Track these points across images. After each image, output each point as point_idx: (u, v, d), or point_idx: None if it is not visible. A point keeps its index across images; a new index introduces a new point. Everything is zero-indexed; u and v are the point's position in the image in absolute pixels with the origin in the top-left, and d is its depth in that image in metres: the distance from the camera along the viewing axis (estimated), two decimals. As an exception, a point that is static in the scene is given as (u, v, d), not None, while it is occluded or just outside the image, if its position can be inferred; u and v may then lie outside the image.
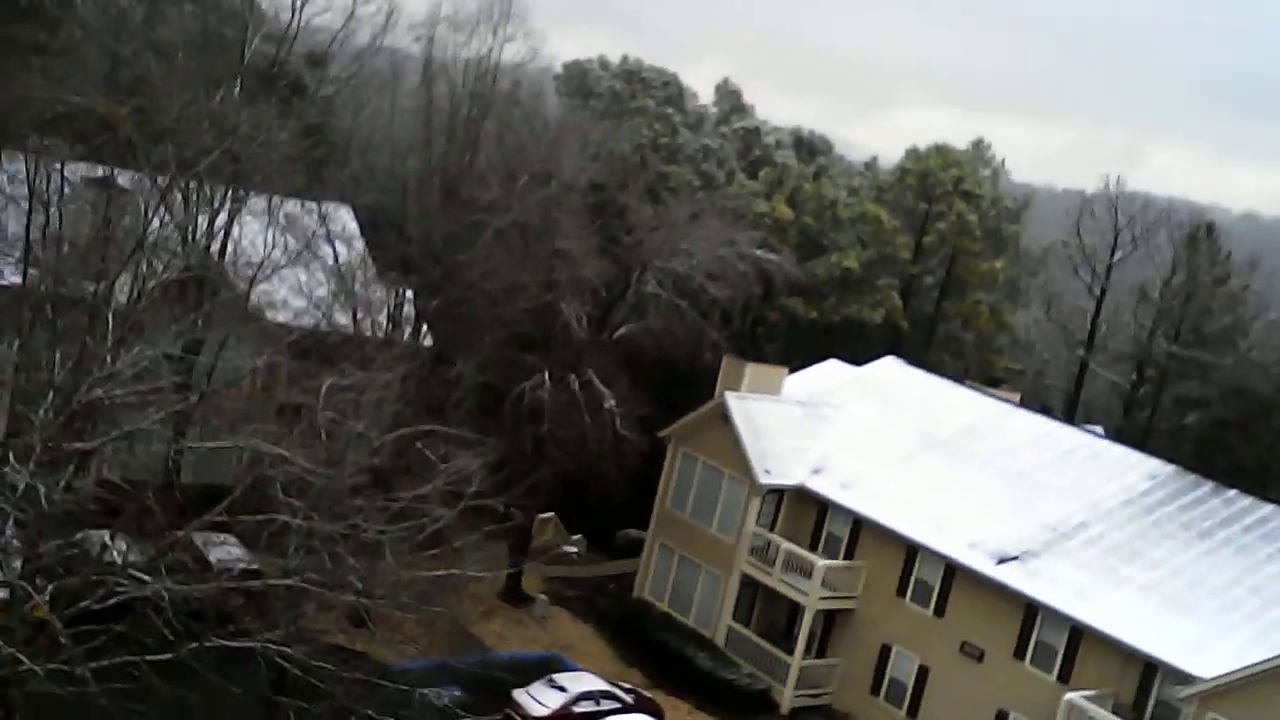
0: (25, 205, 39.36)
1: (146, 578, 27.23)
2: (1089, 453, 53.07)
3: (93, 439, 29.99)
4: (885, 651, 49.67)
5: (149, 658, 28.12)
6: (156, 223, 38.45)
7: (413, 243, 50.22)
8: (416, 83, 53.68)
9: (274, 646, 28.96)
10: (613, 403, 50.45)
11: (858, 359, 62.09)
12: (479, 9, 50.03)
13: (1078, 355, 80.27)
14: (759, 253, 56.54)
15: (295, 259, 47.26)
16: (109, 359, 29.27)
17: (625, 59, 76.94)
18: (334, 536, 30.59)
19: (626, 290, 53.62)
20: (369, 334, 47.87)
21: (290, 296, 49.70)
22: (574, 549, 62.41)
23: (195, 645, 27.95)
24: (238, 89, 43.39)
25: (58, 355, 28.80)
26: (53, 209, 38.69)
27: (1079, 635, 44.43)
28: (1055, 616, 44.99)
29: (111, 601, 27.61)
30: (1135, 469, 51.46)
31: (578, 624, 54.77)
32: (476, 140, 49.71)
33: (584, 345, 51.39)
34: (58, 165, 34.47)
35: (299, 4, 46.87)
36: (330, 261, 50.36)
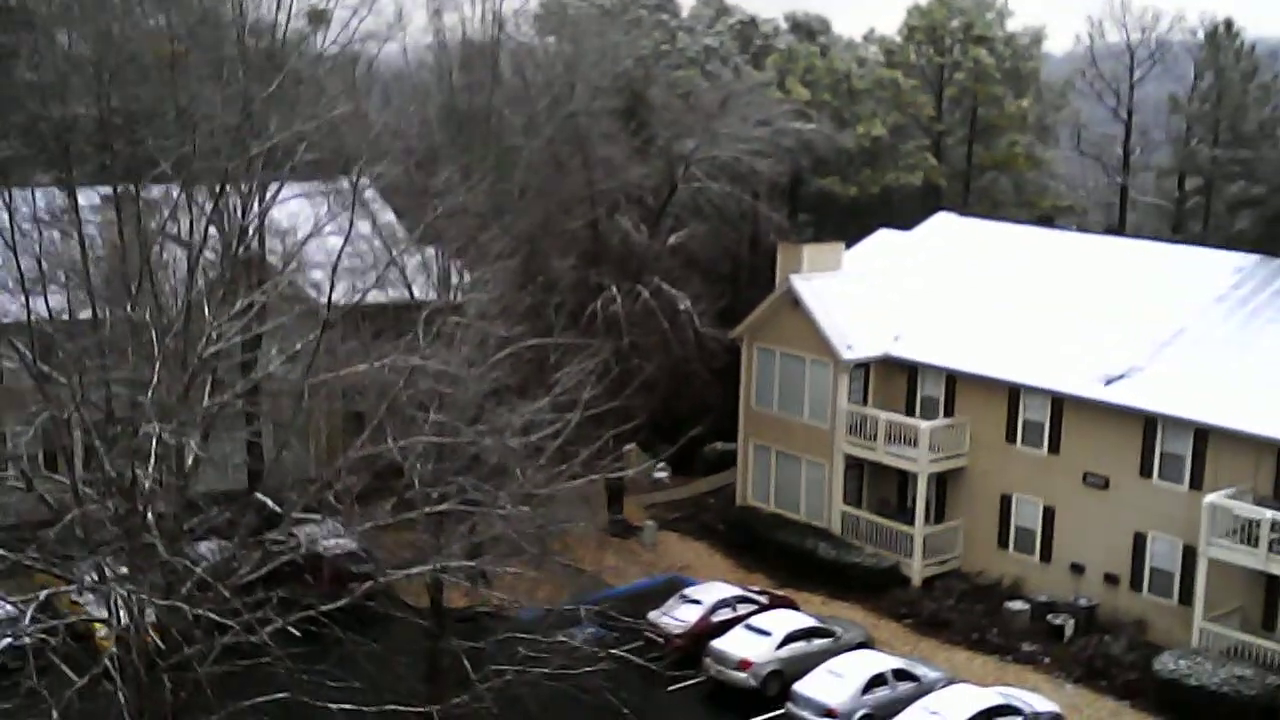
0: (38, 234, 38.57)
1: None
2: (1167, 260, 51.74)
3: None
4: (1005, 502, 48.61)
5: (324, 608, 27.56)
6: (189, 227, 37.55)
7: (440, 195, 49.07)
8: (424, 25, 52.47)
9: (454, 565, 28.18)
10: (688, 303, 49.53)
11: (904, 226, 60.75)
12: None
13: (1116, 182, 78.71)
14: (796, 125, 55.26)
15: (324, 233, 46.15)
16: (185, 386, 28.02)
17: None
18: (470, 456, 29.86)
19: (674, 189, 52.45)
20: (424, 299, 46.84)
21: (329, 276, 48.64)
22: (663, 473, 61.52)
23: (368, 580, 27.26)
24: (241, 72, 41.95)
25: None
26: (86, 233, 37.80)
27: (1204, 439, 43.26)
28: (1176, 424, 43.82)
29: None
30: (1218, 266, 50.06)
31: (689, 543, 53.94)
32: (495, 64, 48.45)
33: (645, 252, 50.31)
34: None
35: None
36: (367, 231, 49.25)
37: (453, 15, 50.95)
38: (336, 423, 44.82)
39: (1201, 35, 75.58)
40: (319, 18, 48.77)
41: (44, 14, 51.02)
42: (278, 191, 41.20)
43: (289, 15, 45.65)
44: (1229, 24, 73.92)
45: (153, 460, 25.71)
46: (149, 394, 25.42)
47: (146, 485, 25.34)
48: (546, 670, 32.62)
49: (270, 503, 28.05)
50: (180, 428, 26.01)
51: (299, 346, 31.12)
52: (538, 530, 37.73)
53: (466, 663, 31.89)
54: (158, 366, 26.63)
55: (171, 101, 45.15)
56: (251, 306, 30.89)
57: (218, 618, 25.41)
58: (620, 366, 43.24)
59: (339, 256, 35.11)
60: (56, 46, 49.67)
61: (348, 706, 27.11)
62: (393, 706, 28.26)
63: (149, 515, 26.07)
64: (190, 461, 26.54)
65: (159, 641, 25.85)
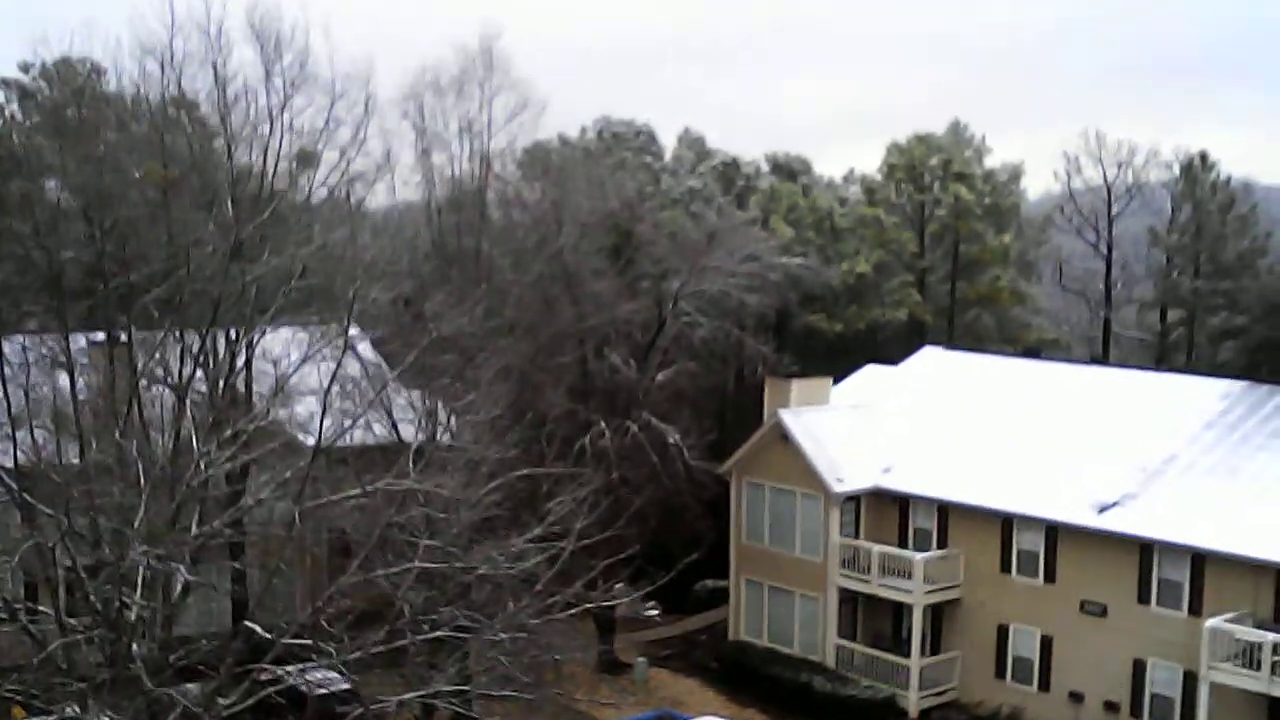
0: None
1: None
2: (1155, 388, 51.77)
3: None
4: (1003, 632, 48.01)
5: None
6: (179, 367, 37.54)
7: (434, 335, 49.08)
8: (412, 165, 52.99)
9: (446, 689, 27.68)
10: (676, 437, 49.22)
11: (890, 362, 60.88)
12: (462, 68, 49.29)
13: (1099, 316, 79.19)
14: (783, 260, 55.58)
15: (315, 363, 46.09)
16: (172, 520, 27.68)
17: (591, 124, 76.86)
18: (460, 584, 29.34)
19: (662, 325, 52.56)
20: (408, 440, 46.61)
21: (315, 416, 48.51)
22: (653, 611, 60.81)
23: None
24: (230, 206, 42.23)
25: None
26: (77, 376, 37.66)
27: (1201, 564, 42.88)
28: (1173, 551, 43.46)
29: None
30: (1206, 392, 50.10)
31: (681, 679, 53.09)
32: (483, 203, 48.80)
33: (634, 387, 50.23)
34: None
35: (277, 110, 45.66)
36: (353, 373, 49.15)
37: (441, 156, 51.31)
38: (324, 554, 44.32)
39: (1177, 169, 76.63)
40: (308, 159, 49.15)
41: (34, 163, 51.48)
42: (263, 333, 41.26)
43: (278, 158, 45.80)
44: (1204, 157, 75.07)
45: (139, 588, 25.23)
46: (136, 522, 25.03)
47: (133, 615, 24.84)
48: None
49: (259, 630, 27.44)
50: (168, 555, 25.61)
51: (289, 474, 30.81)
52: (531, 660, 37.25)
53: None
54: (145, 495, 26.32)
55: (163, 233, 45.30)
56: (239, 436, 30.72)
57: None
58: (611, 498, 42.88)
59: (332, 379, 35.01)
60: (46, 195, 50.09)
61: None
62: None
63: (134, 647, 25.51)
64: (178, 590, 26.06)
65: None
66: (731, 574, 54.55)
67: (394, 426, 46.85)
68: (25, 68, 66.15)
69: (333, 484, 37.48)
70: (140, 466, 27.39)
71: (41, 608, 26.81)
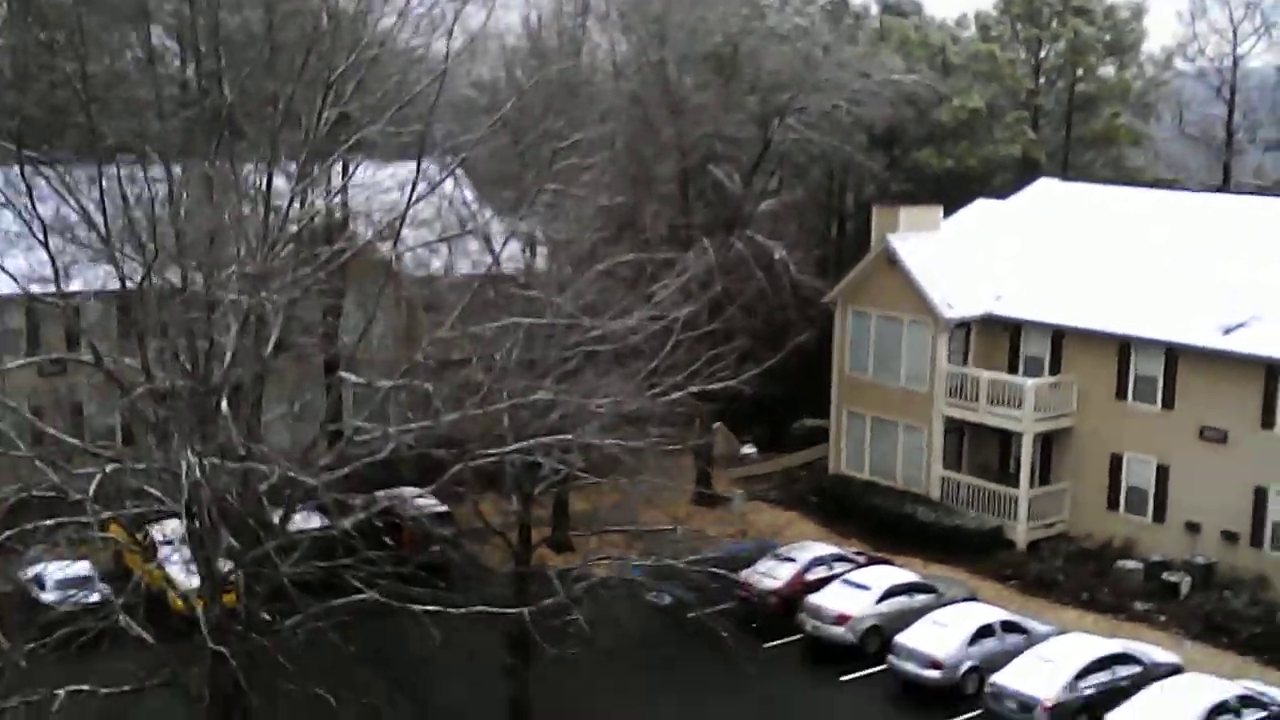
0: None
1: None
2: (1282, 213, 49.45)
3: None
4: (1116, 461, 46.33)
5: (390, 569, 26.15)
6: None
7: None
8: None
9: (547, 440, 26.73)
10: (783, 253, 47.69)
11: (1001, 199, 58.70)
12: None
13: (1219, 164, 76.08)
14: (896, 77, 53.43)
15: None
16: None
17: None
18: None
19: (770, 142, 50.73)
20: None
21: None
22: (751, 449, 59.80)
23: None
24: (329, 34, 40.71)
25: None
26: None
27: (1331, 385, 40.99)
28: (1301, 372, 41.55)
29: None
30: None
31: (780, 511, 52.15)
32: (583, 18, 47.06)
33: (739, 202, 48.59)
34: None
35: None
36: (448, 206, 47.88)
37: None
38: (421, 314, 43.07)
39: (1309, 6, 72.98)
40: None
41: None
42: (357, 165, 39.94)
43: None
44: (1337, -7, 71.38)
45: (233, 329, 24.21)
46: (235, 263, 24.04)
47: (228, 355, 23.93)
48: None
49: (353, 377, 26.27)
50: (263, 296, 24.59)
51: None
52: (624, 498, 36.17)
53: (555, 580, 30.12)
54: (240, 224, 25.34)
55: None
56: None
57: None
58: (714, 301, 41.24)
59: (412, 191, 33.56)
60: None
61: (433, 608, 25.51)
62: (481, 607, 26.60)
63: (223, 406, 24.49)
64: (275, 331, 25.08)
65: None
66: (833, 406, 53.20)
67: (493, 256, 45.61)
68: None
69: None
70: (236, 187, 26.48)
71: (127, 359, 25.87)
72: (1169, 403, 44.89)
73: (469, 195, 51.30)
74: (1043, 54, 72.40)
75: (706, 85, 50.32)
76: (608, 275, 33.33)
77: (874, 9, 78.79)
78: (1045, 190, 56.96)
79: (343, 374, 26.12)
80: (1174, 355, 44.56)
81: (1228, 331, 43.35)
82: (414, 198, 35.75)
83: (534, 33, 51.54)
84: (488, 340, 28.38)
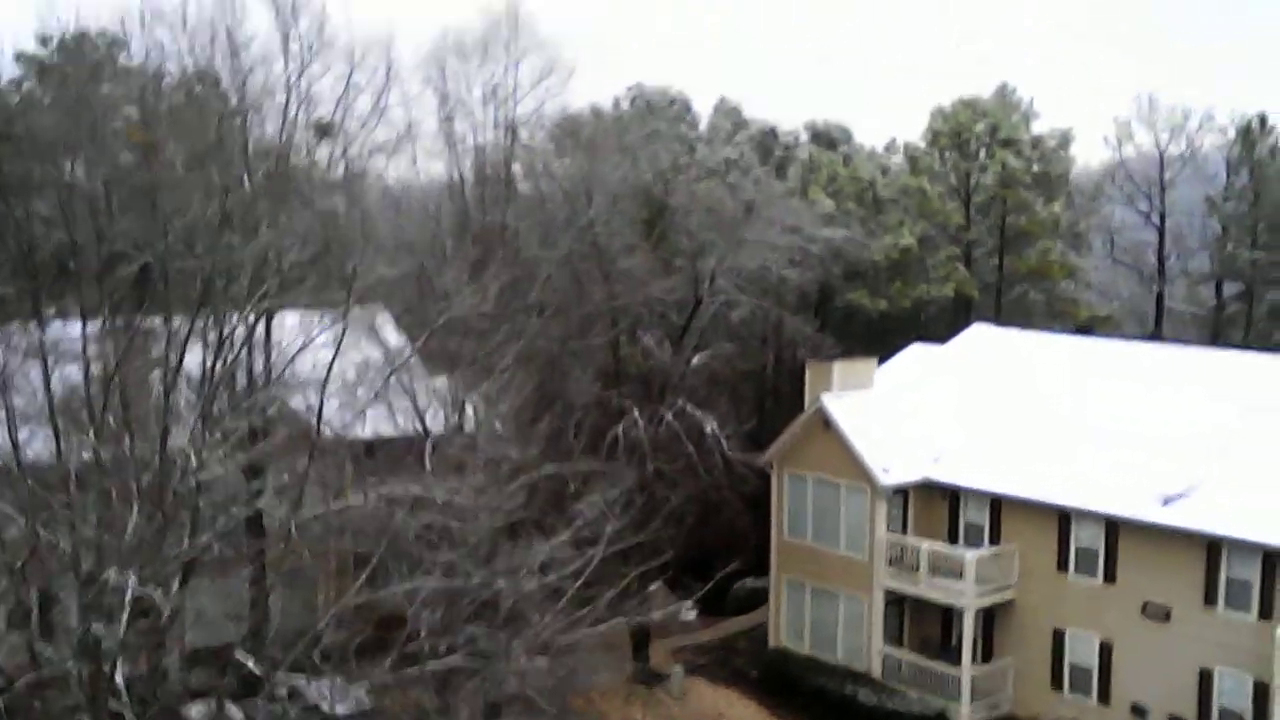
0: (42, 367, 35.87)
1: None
2: (1218, 366, 48.73)
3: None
4: (1059, 637, 45.14)
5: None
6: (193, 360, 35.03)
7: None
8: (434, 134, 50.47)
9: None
10: (714, 425, 46.63)
11: (937, 340, 58.02)
12: (486, 29, 46.72)
13: (1153, 289, 76.00)
14: (825, 233, 52.73)
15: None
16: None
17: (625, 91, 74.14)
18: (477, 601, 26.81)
19: (699, 303, 49.81)
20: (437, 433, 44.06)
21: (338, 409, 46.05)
22: (691, 614, 58.16)
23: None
24: (247, 186, 39.72)
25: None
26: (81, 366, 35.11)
27: (1274, 561, 39.90)
28: (1243, 548, 40.43)
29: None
30: (1273, 369, 47.09)
31: (719, 689, 50.23)
32: (509, 174, 46.21)
33: (669, 371, 47.54)
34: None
35: (295, 77, 43.08)
36: (375, 359, 46.57)
37: (464, 124, 48.68)
38: (331, 568, 41.79)
39: (1233, 133, 73.27)
40: (326, 130, 46.56)
41: (49, 143, 49.17)
42: (265, 315, 38.65)
43: (294, 128, 43.28)
44: (1263, 120, 71.72)
45: (125, 614, 22.82)
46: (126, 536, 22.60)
47: (116, 638, 22.42)
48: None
49: (250, 664, 25.12)
50: (154, 575, 23.22)
51: (286, 477, 28.43)
52: (558, 683, 34.60)
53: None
54: (135, 508, 23.97)
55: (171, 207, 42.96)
56: (242, 429, 28.30)
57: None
58: (645, 495, 40.23)
59: (329, 370, 32.42)
60: (61, 175, 47.69)
61: None
62: None
63: (117, 678, 23.01)
64: (166, 615, 23.61)
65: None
66: (772, 573, 51.81)
67: (419, 417, 44.26)
68: (44, 40, 63.67)
69: (340, 487, 35.14)
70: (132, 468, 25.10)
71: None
72: (1111, 576, 43.83)
73: (401, 342, 50.12)
74: (973, 184, 72.14)
75: (635, 249, 49.41)
76: (528, 493, 31.95)
77: (803, 137, 78.62)
78: (979, 336, 56.17)
79: (238, 656, 24.63)
80: (1114, 527, 43.57)
81: (1167, 502, 42.41)
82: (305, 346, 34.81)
83: (455, 189, 50.73)
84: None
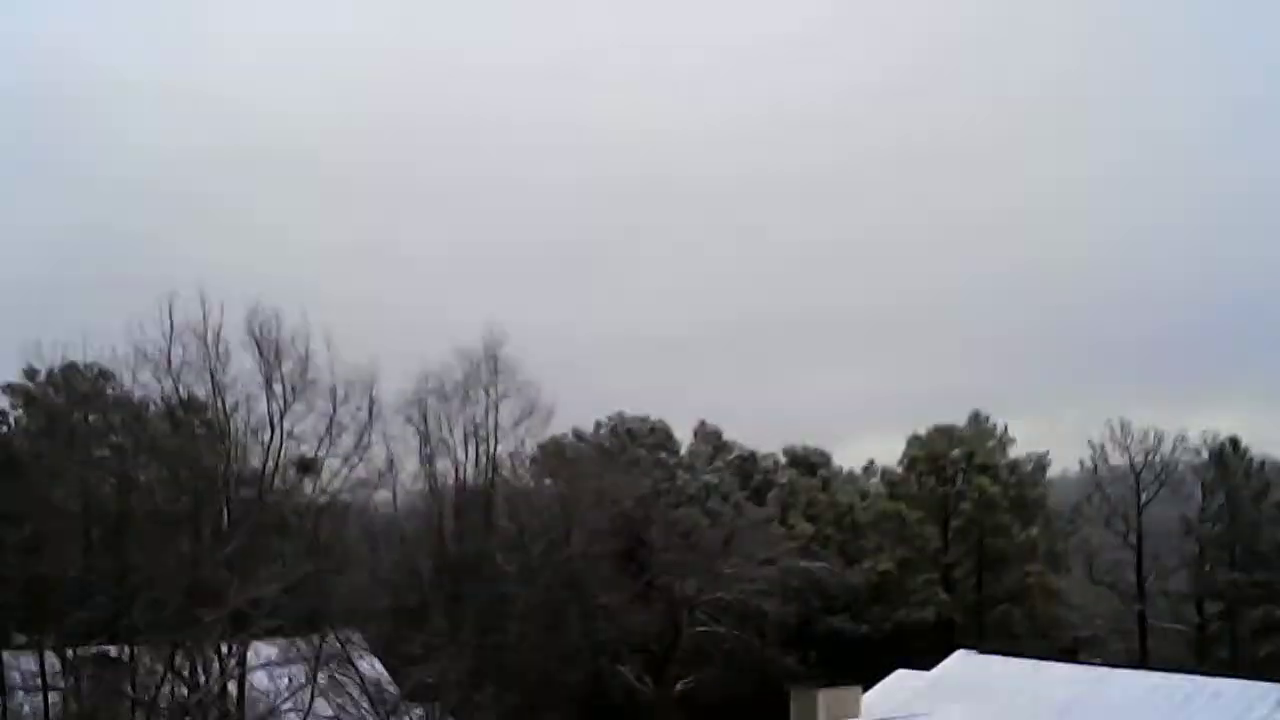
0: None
1: None
2: (1208, 694, 48.39)
3: None
4: None
5: None
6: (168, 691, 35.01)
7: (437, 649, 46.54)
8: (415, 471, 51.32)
9: None
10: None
11: (920, 663, 57.81)
12: (466, 373, 48.05)
13: (1134, 610, 76.04)
14: (803, 564, 53.19)
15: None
16: None
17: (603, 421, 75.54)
18: None
19: (679, 635, 49.85)
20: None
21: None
22: None
23: None
24: (225, 522, 40.38)
25: None
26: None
27: None
28: None
29: None
30: (1265, 699, 46.80)
31: None
32: (489, 510, 46.83)
33: (651, 704, 47.23)
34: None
35: (278, 416, 44.15)
36: (352, 688, 46.36)
37: (445, 461, 49.65)
38: None
39: (1206, 455, 74.60)
40: (308, 466, 47.45)
41: (34, 468, 49.87)
42: (238, 653, 38.70)
43: (278, 465, 44.17)
44: (1235, 443, 73.12)
45: None
46: None
47: None
48: None
49: None
50: None
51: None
52: None
53: None
54: None
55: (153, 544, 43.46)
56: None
57: None
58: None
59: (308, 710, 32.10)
60: (45, 502, 48.28)
61: None
62: None
63: None
64: None
65: None
66: None
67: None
68: (31, 374, 65.10)
69: None
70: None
71: None
72: None
73: (380, 673, 49.86)
74: (950, 508, 72.97)
75: (613, 581, 49.78)
76: None
77: (782, 460, 79.79)
78: (962, 662, 55.98)
79: None
80: None
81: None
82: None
83: (434, 524, 51.33)
84: None
